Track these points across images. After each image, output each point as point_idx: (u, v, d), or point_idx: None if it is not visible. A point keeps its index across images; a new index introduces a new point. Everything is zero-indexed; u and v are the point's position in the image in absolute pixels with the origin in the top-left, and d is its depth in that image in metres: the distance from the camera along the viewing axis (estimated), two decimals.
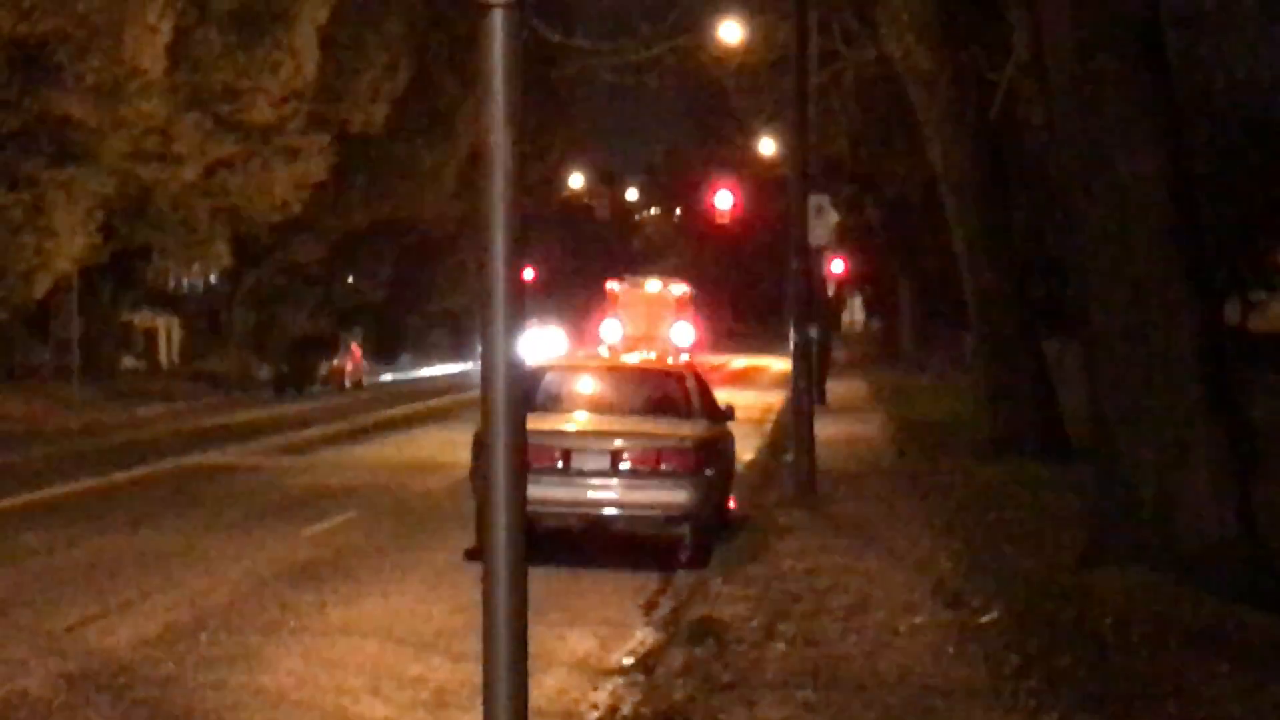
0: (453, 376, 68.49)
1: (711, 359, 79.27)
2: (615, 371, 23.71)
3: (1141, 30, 16.29)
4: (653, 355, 57.87)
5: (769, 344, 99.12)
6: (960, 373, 53.34)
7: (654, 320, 69.69)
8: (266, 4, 44.79)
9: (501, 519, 6.08)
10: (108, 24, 37.53)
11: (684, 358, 63.22)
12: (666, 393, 21.95)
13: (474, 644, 14.37)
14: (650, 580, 18.71)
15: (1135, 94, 16.11)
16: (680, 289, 72.80)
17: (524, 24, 5.86)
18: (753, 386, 58.34)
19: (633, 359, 27.57)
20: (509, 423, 5.99)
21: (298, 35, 45.70)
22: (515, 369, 5.88)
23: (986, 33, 29.65)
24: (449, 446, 33.00)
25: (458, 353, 75.85)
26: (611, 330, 69.14)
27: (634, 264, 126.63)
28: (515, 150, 5.73)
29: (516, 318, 5.76)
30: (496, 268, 5.69)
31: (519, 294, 5.73)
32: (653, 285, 72.90)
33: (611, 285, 72.36)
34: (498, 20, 5.80)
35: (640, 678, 13.34)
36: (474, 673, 13.47)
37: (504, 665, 6.25)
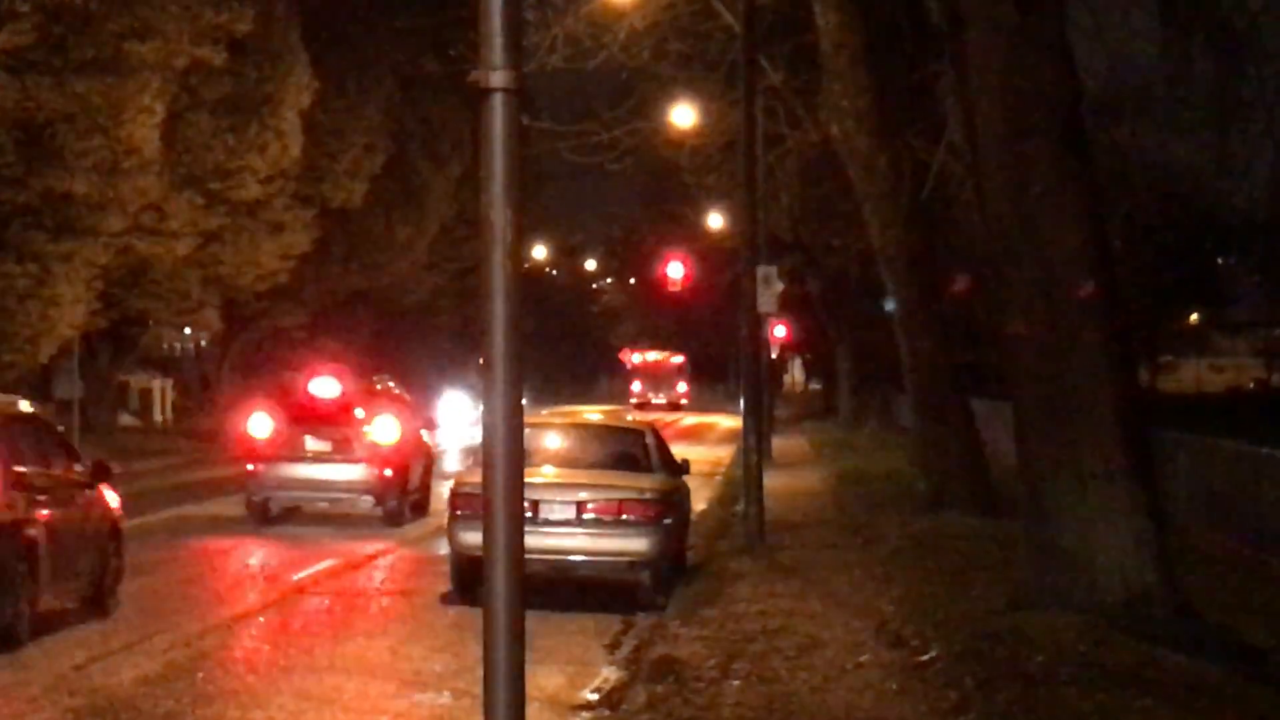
0: None
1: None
2: (580, 427, 23.64)
3: (1065, 116, 16.39)
4: (664, 400, 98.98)
5: (717, 403, 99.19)
6: (893, 431, 53.40)
7: (660, 380, 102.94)
8: (254, 90, 44.80)
9: (500, 568, 6.05)
10: (105, 106, 37.46)
11: (684, 402, 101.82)
12: (627, 448, 21.93)
13: (451, 682, 14.42)
14: (613, 622, 18.67)
15: (1059, 175, 16.21)
16: (678, 359, 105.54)
17: (523, 108, 5.88)
18: (703, 442, 58.21)
19: (595, 417, 27.51)
20: (508, 480, 5.96)
21: (283, 119, 45.71)
22: (515, 432, 5.86)
23: (920, 117, 29.79)
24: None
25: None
26: (633, 388, 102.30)
27: (593, 330, 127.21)
28: (514, 225, 5.73)
29: (516, 382, 5.75)
30: (496, 338, 5.68)
31: (518, 360, 5.72)
32: (658, 356, 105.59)
33: (633, 357, 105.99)
34: (498, 104, 5.81)
35: (606, 713, 13.32)
36: (452, 708, 13.49)
37: (503, 703, 6.17)
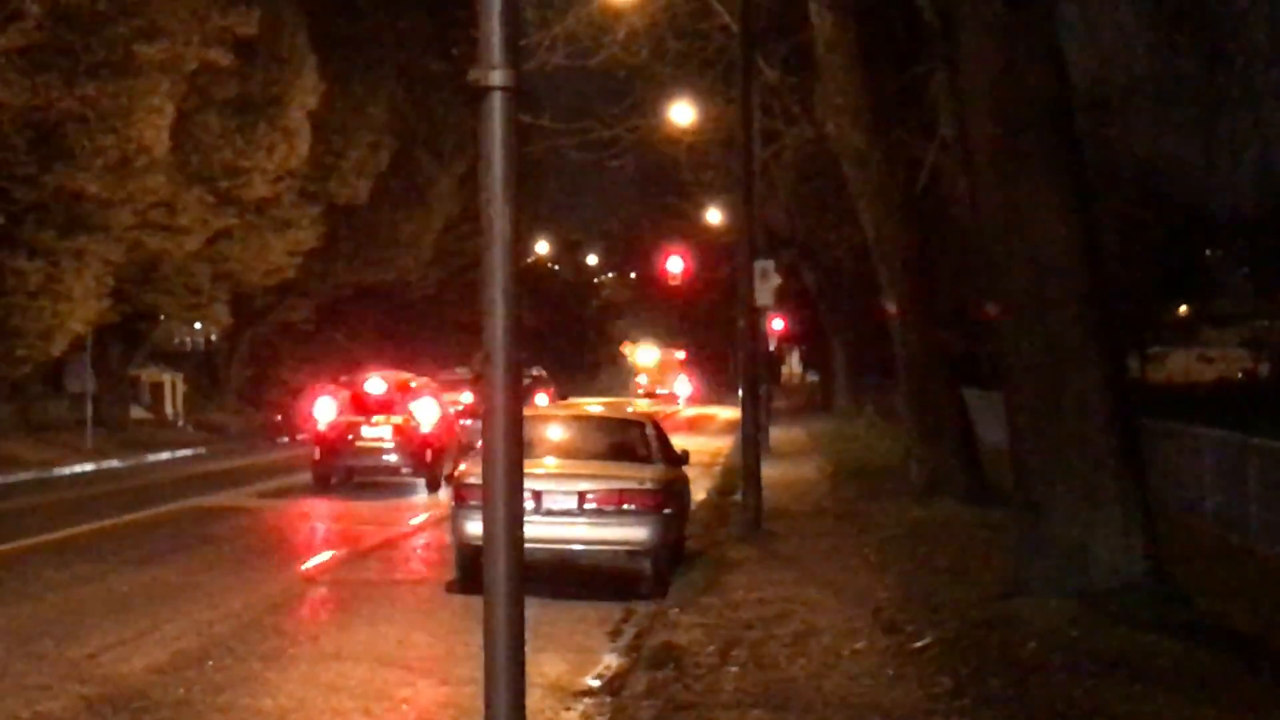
0: None
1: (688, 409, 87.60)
2: (581, 420, 23.65)
3: (1055, 113, 16.34)
4: (666, 391, 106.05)
5: (716, 395, 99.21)
6: (889, 422, 53.34)
7: (664, 375, 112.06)
8: (262, 91, 44.77)
9: (500, 558, 6.02)
10: (116, 106, 37.43)
11: (687, 391, 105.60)
12: (628, 439, 21.96)
13: (455, 668, 14.43)
14: (614, 610, 18.64)
15: (1049, 170, 16.17)
16: (680, 354, 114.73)
17: (520, 106, 5.85)
18: (702, 433, 58.22)
19: (596, 409, 27.60)
20: (508, 471, 5.94)
21: (290, 119, 45.68)
22: (514, 424, 5.84)
23: (913, 114, 29.77)
24: (423, 488, 33.07)
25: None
26: (639, 380, 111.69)
27: (593, 323, 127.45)
28: (513, 221, 5.70)
29: (515, 374, 5.73)
30: (496, 331, 5.65)
31: (517, 353, 5.70)
32: (664, 352, 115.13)
33: (638, 354, 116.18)
34: (496, 102, 5.78)
35: (608, 699, 13.30)
36: (455, 695, 13.48)
37: (503, 688, 6.15)
